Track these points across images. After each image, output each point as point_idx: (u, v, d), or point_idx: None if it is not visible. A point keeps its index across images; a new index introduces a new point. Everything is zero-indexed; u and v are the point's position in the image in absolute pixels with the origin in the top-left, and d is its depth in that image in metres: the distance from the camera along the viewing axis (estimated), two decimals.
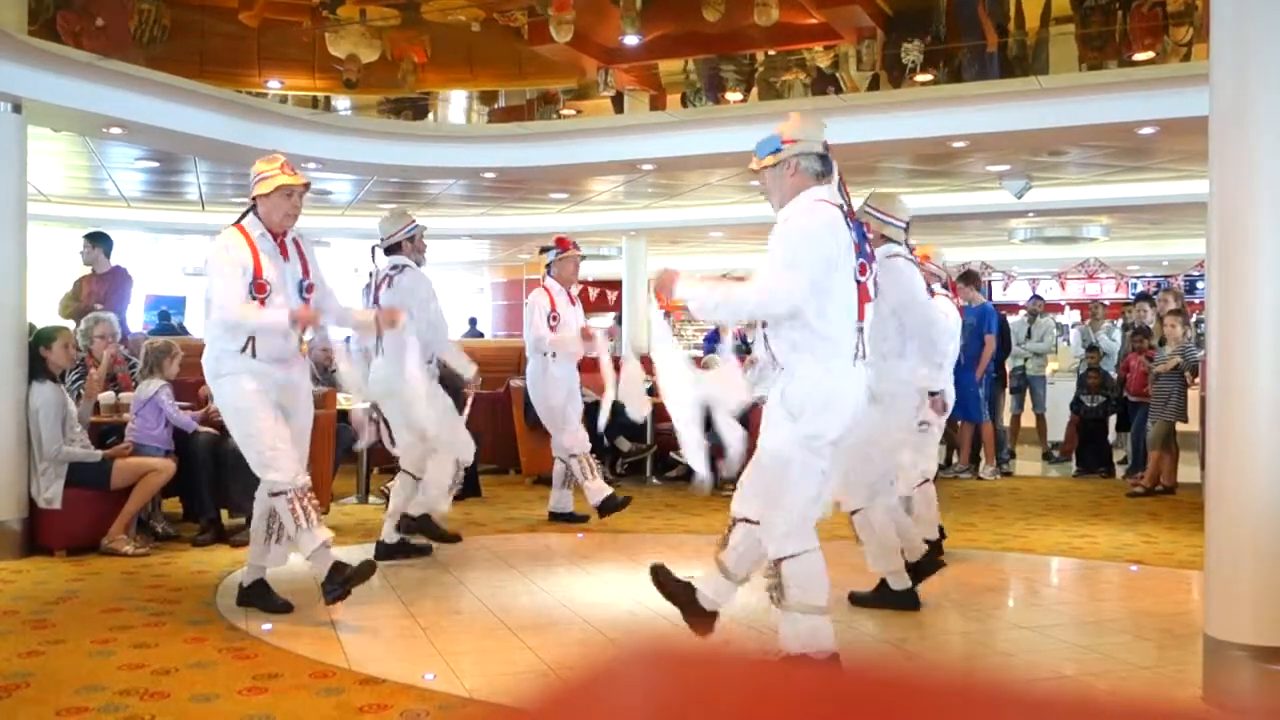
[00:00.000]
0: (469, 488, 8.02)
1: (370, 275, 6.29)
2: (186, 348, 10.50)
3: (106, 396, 6.99)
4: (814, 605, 3.73)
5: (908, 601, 4.92)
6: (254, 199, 4.82)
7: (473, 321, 20.62)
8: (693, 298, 3.67)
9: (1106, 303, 13.36)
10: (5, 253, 6.25)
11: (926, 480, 6.17)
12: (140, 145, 9.03)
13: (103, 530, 6.17)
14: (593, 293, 21.86)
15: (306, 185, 4.85)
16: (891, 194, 5.42)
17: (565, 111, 9.97)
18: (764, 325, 3.82)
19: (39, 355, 6.23)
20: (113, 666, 4.05)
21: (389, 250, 6.27)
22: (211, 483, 6.55)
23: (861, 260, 3.79)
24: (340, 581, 4.64)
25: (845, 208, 3.84)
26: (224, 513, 6.65)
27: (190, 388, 7.61)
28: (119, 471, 6.22)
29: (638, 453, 9.19)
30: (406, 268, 6.17)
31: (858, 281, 3.77)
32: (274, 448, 4.66)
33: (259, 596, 4.90)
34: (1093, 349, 10.73)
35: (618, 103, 9.84)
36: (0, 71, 6.24)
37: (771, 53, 9.25)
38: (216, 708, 3.61)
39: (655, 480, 9.24)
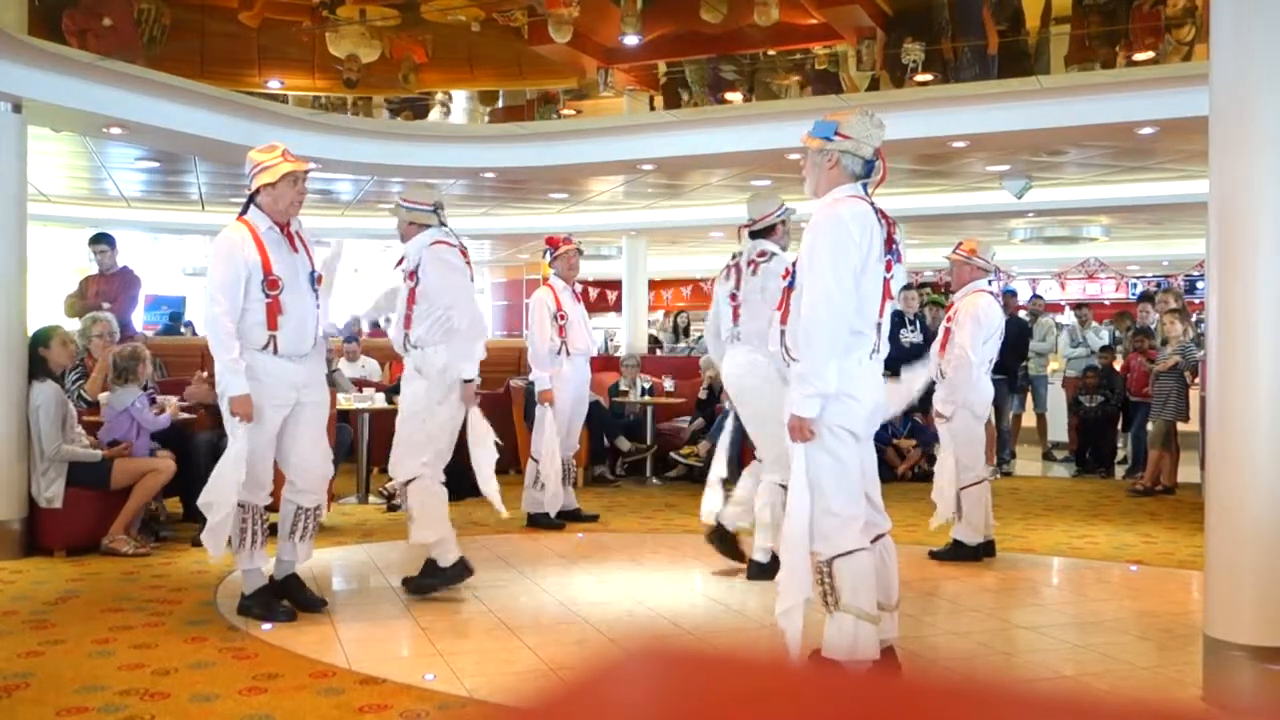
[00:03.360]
0: (468, 488, 8.01)
1: (733, 257, 5.84)
2: (190, 348, 10.45)
3: (106, 397, 6.98)
4: (864, 610, 3.68)
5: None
6: (255, 190, 4.69)
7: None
8: (802, 404, 3.64)
9: (1092, 305, 13.42)
10: (5, 253, 6.25)
11: (981, 482, 6.17)
12: (140, 145, 9.02)
13: (103, 530, 6.17)
14: (593, 293, 21.88)
15: (308, 169, 4.78)
16: (420, 183, 6.27)
17: (565, 111, 9.98)
18: (783, 320, 3.82)
19: (38, 355, 6.24)
20: (113, 666, 4.05)
21: (757, 234, 5.73)
22: None
23: (889, 258, 3.83)
24: (261, 603, 4.72)
25: (875, 205, 3.85)
26: None
27: (185, 387, 7.58)
28: (119, 471, 6.22)
29: (637, 453, 9.20)
30: (774, 255, 5.59)
31: (884, 278, 3.82)
32: (251, 470, 4.68)
33: (295, 590, 4.91)
34: (1106, 348, 10.68)
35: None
36: (0, 71, 6.24)
37: (771, 53, 9.26)
38: (216, 708, 3.61)
39: (655, 480, 9.23)
